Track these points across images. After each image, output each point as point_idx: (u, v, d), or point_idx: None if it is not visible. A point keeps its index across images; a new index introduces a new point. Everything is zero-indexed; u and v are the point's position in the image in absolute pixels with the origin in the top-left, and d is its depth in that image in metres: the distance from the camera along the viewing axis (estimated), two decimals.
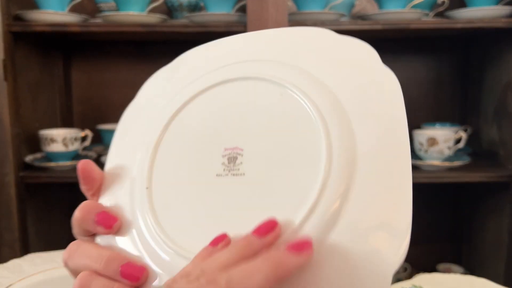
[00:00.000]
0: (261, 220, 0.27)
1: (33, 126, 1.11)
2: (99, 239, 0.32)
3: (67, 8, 1.04)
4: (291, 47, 0.34)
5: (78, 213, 0.31)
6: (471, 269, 1.23)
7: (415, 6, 1.05)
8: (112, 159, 0.36)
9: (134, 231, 0.31)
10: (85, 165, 0.33)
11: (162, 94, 0.37)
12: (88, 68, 1.30)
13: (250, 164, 0.30)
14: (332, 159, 0.28)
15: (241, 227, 0.27)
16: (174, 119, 0.34)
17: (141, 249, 0.30)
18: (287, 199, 0.28)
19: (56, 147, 1.05)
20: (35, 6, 1.03)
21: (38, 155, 1.11)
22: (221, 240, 0.27)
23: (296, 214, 0.27)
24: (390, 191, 0.27)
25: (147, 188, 0.32)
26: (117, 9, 1.04)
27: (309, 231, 0.26)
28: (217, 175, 0.31)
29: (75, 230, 0.32)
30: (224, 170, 0.31)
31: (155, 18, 1.03)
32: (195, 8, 1.14)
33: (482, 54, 1.19)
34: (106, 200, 0.33)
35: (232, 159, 0.31)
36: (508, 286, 0.58)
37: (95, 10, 1.18)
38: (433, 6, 1.11)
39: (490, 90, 1.14)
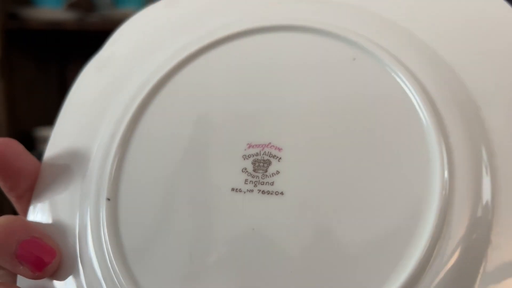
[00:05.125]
0: None
1: (28, 125, 1.10)
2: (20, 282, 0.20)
3: (63, 6, 1.03)
4: None
5: None
6: None
7: None
8: (55, 142, 0.23)
9: (81, 273, 0.19)
10: (2, 147, 0.19)
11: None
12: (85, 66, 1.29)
13: (295, 176, 0.18)
14: (455, 184, 0.16)
15: None
16: (161, 88, 0.21)
17: None
18: (377, 264, 0.16)
19: None
20: (30, 2, 1.02)
21: (33, 154, 1.10)
22: None
23: None
24: None
25: (108, 199, 0.19)
26: (114, 6, 1.02)
27: None
28: (232, 189, 0.18)
29: None
30: (246, 181, 0.18)
31: None
32: None
33: None
34: (40, 211, 0.21)
35: (261, 165, 0.18)
36: None
37: (91, 7, 1.16)
38: None
39: None
